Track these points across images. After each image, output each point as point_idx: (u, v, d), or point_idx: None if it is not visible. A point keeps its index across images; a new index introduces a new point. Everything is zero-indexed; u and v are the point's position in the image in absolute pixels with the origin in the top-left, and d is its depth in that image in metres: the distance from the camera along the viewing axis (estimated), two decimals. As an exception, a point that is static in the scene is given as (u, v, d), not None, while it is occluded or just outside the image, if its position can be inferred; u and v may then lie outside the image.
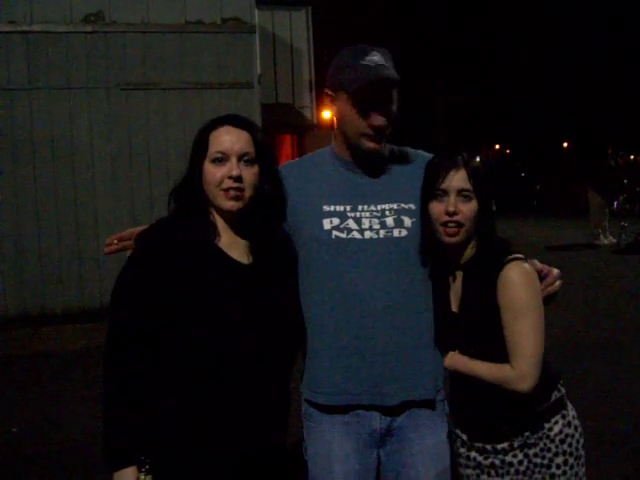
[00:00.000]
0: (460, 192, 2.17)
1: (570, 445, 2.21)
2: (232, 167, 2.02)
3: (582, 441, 2.27)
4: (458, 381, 2.32)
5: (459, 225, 2.17)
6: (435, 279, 2.35)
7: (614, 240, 14.40)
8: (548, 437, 2.18)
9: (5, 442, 5.04)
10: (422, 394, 2.26)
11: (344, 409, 2.24)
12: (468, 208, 2.17)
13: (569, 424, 2.23)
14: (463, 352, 2.26)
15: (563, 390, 2.27)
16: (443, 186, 2.18)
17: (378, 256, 2.21)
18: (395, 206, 2.25)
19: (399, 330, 2.21)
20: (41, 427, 5.31)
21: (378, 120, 2.17)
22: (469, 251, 2.25)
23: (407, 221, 2.24)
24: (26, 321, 8.77)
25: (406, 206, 2.26)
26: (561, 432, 2.20)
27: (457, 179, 2.17)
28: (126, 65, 9.21)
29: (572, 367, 5.39)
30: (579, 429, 2.26)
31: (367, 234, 2.21)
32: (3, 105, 8.89)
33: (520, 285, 2.11)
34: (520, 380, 2.09)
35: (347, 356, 2.21)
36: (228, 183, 2.02)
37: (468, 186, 2.17)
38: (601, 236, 14.36)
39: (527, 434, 2.18)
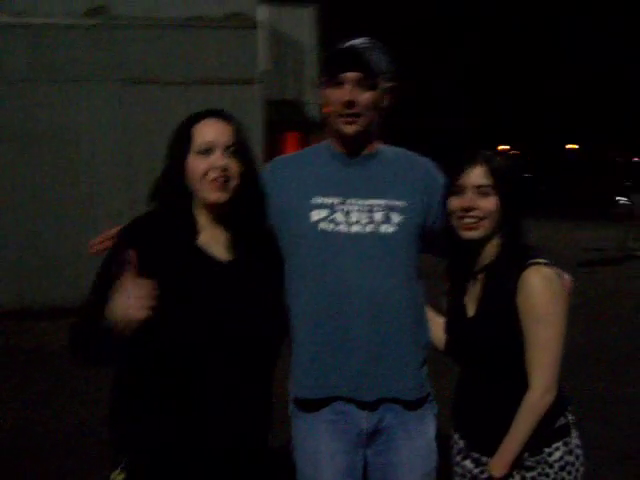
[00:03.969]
0: (477, 188, 2.15)
1: (570, 473, 2.13)
2: (218, 158, 2.01)
3: (582, 470, 2.18)
4: (464, 385, 2.29)
5: (478, 219, 2.15)
6: (453, 283, 2.33)
7: None
8: (547, 462, 2.11)
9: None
10: (402, 393, 2.24)
11: (326, 403, 2.23)
12: (486, 203, 2.15)
13: (570, 452, 2.14)
14: (472, 359, 2.23)
15: (570, 417, 2.19)
16: (460, 182, 2.17)
17: (363, 251, 2.20)
18: (385, 202, 2.24)
19: (381, 327, 2.20)
20: (31, 422, 5.30)
21: (347, 95, 2.19)
22: (491, 252, 2.21)
23: (396, 218, 2.23)
24: (24, 315, 8.76)
25: (396, 203, 2.25)
26: (561, 459, 2.12)
27: (474, 175, 2.16)
28: (129, 59, 9.19)
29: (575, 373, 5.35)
30: (580, 458, 2.17)
31: (354, 228, 2.20)
32: (5, 96, 8.89)
33: (542, 291, 2.06)
34: (545, 393, 2.06)
35: (328, 349, 2.21)
36: (214, 174, 2.00)
37: (486, 182, 2.15)
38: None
39: (525, 455, 2.10)
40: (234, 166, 2.03)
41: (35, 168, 9.00)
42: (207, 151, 2.02)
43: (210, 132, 2.04)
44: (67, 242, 9.07)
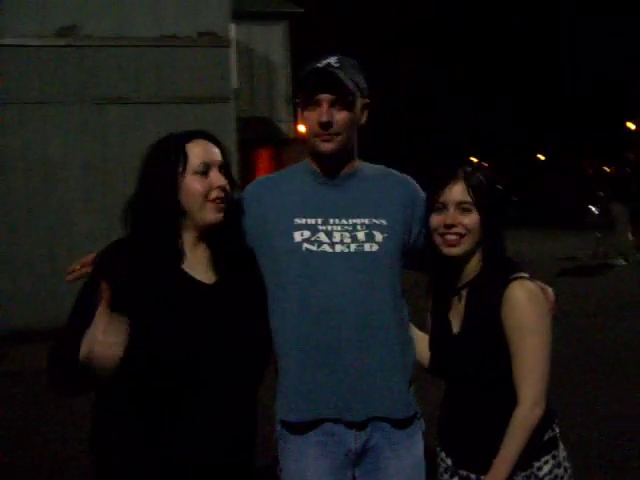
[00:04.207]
0: (459, 204, 2.16)
1: None
2: (217, 177, 2.01)
3: None
4: (450, 402, 2.27)
5: (460, 235, 2.16)
6: (436, 299, 2.32)
7: None
8: (536, 476, 2.10)
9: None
10: (391, 412, 2.23)
11: (314, 425, 2.21)
12: (468, 220, 2.16)
13: (559, 465, 2.14)
14: (459, 375, 2.21)
15: (557, 430, 2.19)
16: (442, 199, 2.18)
17: (348, 270, 2.19)
18: (367, 221, 2.25)
19: (368, 345, 2.19)
20: (11, 446, 5.22)
21: (324, 117, 2.18)
22: (474, 267, 2.22)
23: (378, 236, 2.23)
24: (2, 339, 8.61)
25: (378, 221, 2.25)
26: (550, 472, 2.12)
27: (455, 192, 2.17)
28: (100, 79, 9.14)
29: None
30: (569, 470, 2.18)
31: (338, 247, 2.20)
32: (-25, 119, 8.80)
33: (526, 305, 2.08)
34: (534, 407, 2.05)
35: (315, 371, 2.18)
36: (216, 193, 1.99)
37: (467, 198, 2.16)
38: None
39: (515, 470, 2.08)
40: (228, 186, 2.04)
41: (6, 190, 8.89)
42: (205, 171, 2.01)
43: (206, 152, 2.03)
44: (43, 265, 8.98)
